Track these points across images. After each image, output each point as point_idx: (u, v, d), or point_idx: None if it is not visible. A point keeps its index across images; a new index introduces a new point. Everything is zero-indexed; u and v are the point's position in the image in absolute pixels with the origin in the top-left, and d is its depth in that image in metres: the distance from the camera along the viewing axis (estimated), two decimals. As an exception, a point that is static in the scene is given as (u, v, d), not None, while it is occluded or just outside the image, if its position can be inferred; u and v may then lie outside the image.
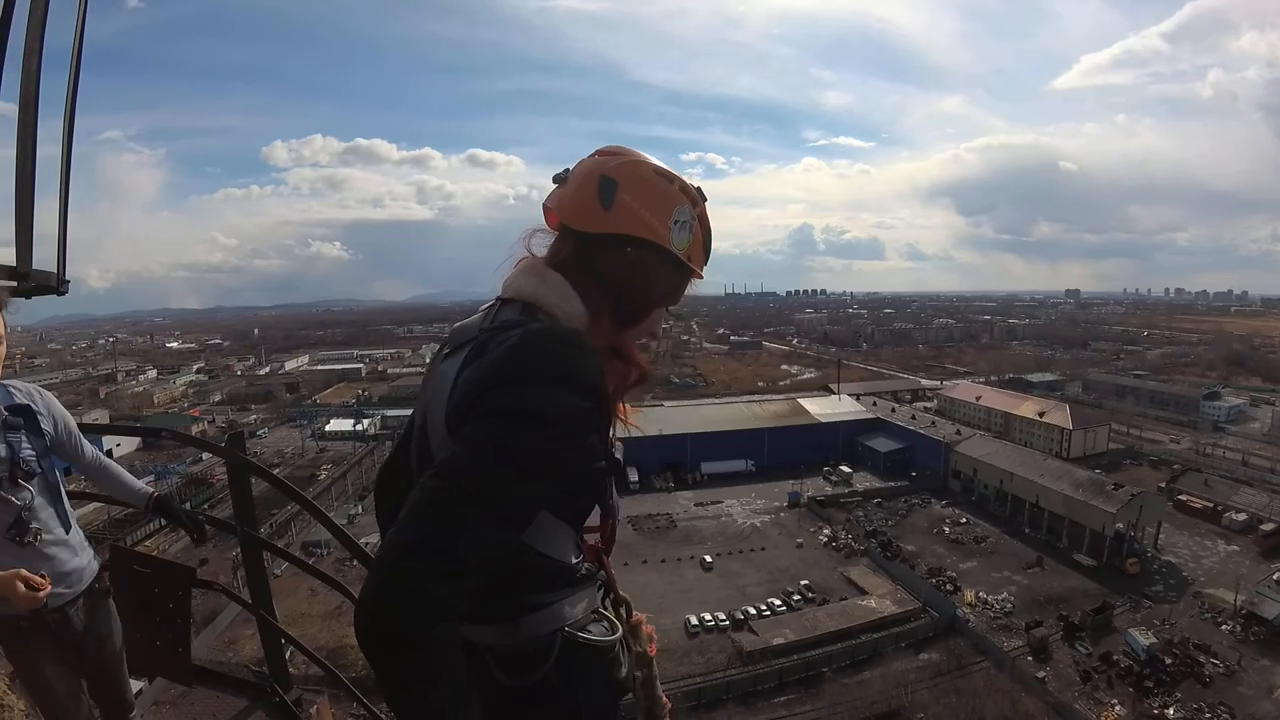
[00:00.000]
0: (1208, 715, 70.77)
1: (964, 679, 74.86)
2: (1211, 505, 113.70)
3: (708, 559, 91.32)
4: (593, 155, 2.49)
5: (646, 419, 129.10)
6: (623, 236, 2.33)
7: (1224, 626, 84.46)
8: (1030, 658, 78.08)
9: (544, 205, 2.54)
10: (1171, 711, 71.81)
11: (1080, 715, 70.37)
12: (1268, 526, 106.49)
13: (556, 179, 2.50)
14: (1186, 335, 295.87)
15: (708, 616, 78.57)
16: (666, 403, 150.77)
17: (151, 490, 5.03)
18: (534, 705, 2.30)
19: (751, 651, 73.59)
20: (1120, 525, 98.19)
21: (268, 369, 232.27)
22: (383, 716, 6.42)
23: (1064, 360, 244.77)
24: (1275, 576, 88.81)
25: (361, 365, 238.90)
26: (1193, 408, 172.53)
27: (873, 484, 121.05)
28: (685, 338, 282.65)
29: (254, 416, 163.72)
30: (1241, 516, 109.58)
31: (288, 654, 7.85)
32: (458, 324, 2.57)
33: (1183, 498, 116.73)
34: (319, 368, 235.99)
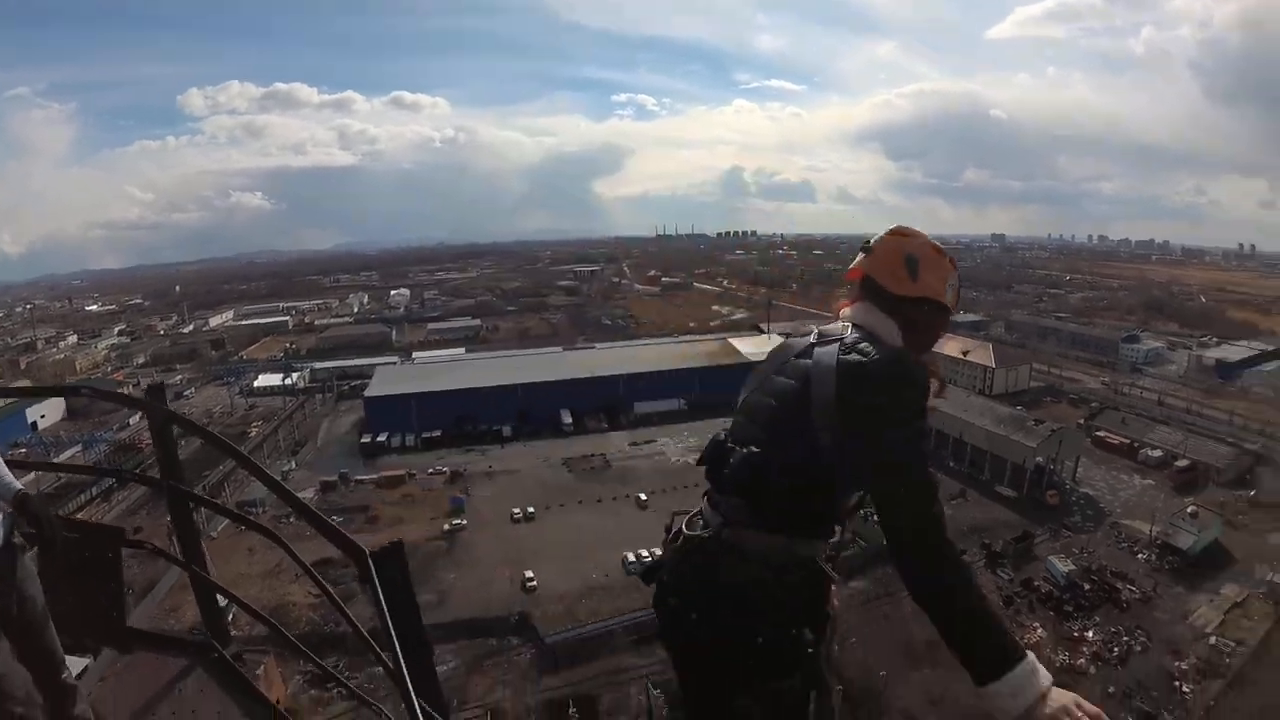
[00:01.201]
0: (1125, 638, 75.24)
1: (892, 605, 77.23)
2: (1128, 442, 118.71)
3: (643, 497, 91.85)
4: (891, 233, 3.90)
5: (578, 361, 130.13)
6: (922, 299, 3.72)
7: (1139, 555, 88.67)
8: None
9: (852, 268, 4.00)
10: (1090, 634, 75.85)
11: None
12: (1181, 463, 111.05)
13: (864, 249, 3.93)
14: (1108, 281, 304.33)
15: (645, 553, 77.72)
16: (598, 344, 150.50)
17: (17, 487, 4.57)
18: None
19: (688, 585, 74.94)
20: (1040, 459, 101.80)
21: (191, 327, 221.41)
22: (329, 669, 6.20)
23: (988, 301, 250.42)
24: (1188, 510, 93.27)
25: (288, 318, 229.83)
26: (1112, 349, 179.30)
27: None
28: (617, 279, 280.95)
29: (180, 377, 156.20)
30: (1157, 453, 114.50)
31: (230, 616, 7.60)
32: (825, 329, 3.88)
33: (1101, 434, 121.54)
34: (244, 323, 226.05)
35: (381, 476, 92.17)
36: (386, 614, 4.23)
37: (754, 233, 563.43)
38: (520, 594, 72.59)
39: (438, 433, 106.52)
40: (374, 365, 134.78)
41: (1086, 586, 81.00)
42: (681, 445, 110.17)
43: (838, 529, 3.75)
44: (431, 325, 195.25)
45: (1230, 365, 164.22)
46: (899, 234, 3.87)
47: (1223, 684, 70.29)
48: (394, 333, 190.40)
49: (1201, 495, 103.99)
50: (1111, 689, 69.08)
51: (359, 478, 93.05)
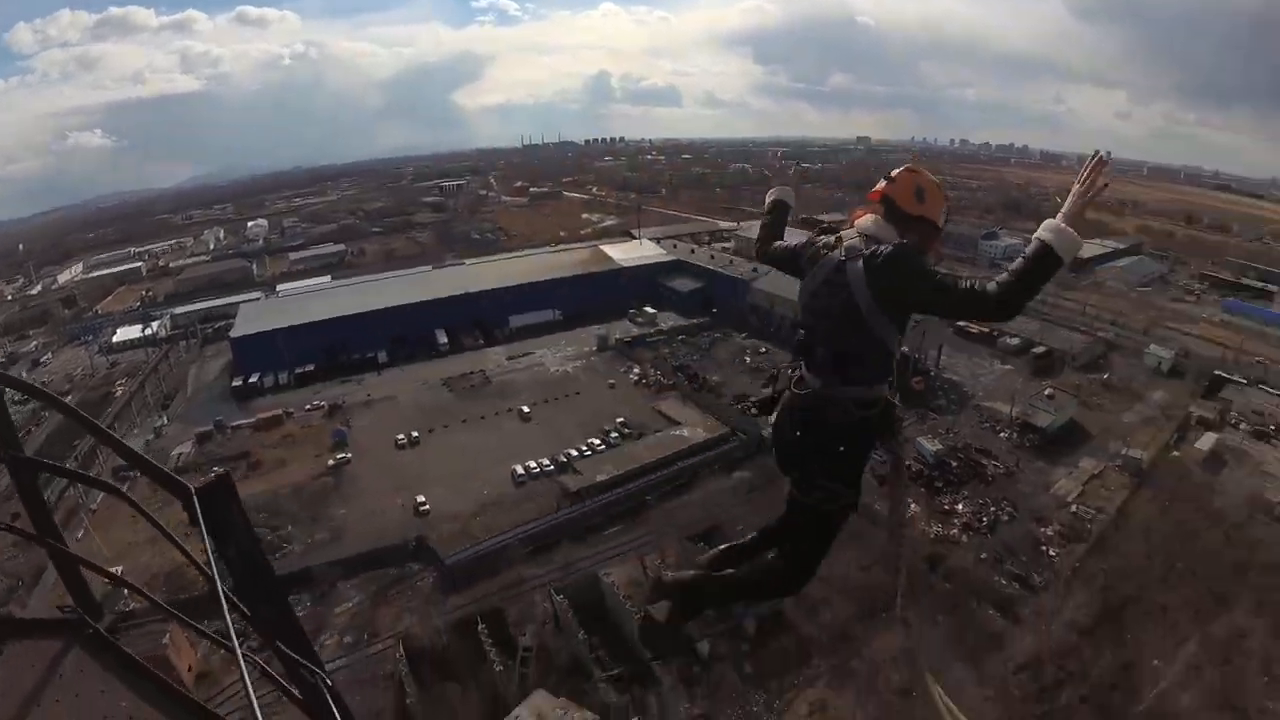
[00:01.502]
0: (993, 509, 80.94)
1: (775, 492, 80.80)
2: (988, 330, 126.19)
3: (525, 409, 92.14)
4: (908, 169, 5.91)
5: (449, 279, 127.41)
6: (924, 218, 5.76)
7: (1001, 434, 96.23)
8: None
9: (874, 190, 5.90)
10: (960, 507, 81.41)
11: (878, 511, 78.80)
12: (1039, 350, 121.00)
13: (886, 178, 5.89)
14: (968, 182, 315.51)
15: (532, 464, 79.95)
16: (468, 260, 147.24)
17: None
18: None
19: (577, 491, 76.02)
20: (905, 348, 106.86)
21: (39, 287, 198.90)
22: (214, 636, 5.94)
23: (854, 201, 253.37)
24: (1046, 392, 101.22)
25: (141, 264, 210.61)
26: (972, 246, 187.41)
27: (676, 322, 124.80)
28: (483, 192, 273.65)
29: (34, 343, 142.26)
30: (1015, 340, 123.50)
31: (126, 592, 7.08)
32: (849, 244, 5.75)
33: (962, 324, 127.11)
34: (95, 275, 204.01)
35: (258, 419, 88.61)
36: (211, 555, 3.99)
37: (622, 139, 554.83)
38: (414, 519, 72.25)
39: (310, 367, 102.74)
40: (237, 304, 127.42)
41: (954, 464, 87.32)
42: (560, 355, 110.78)
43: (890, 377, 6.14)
44: (294, 255, 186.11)
45: (1083, 261, 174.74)
46: (913, 170, 5.96)
47: (1085, 547, 76.75)
48: (255, 267, 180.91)
49: (1057, 379, 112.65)
50: (984, 555, 74.56)
51: (235, 423, 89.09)
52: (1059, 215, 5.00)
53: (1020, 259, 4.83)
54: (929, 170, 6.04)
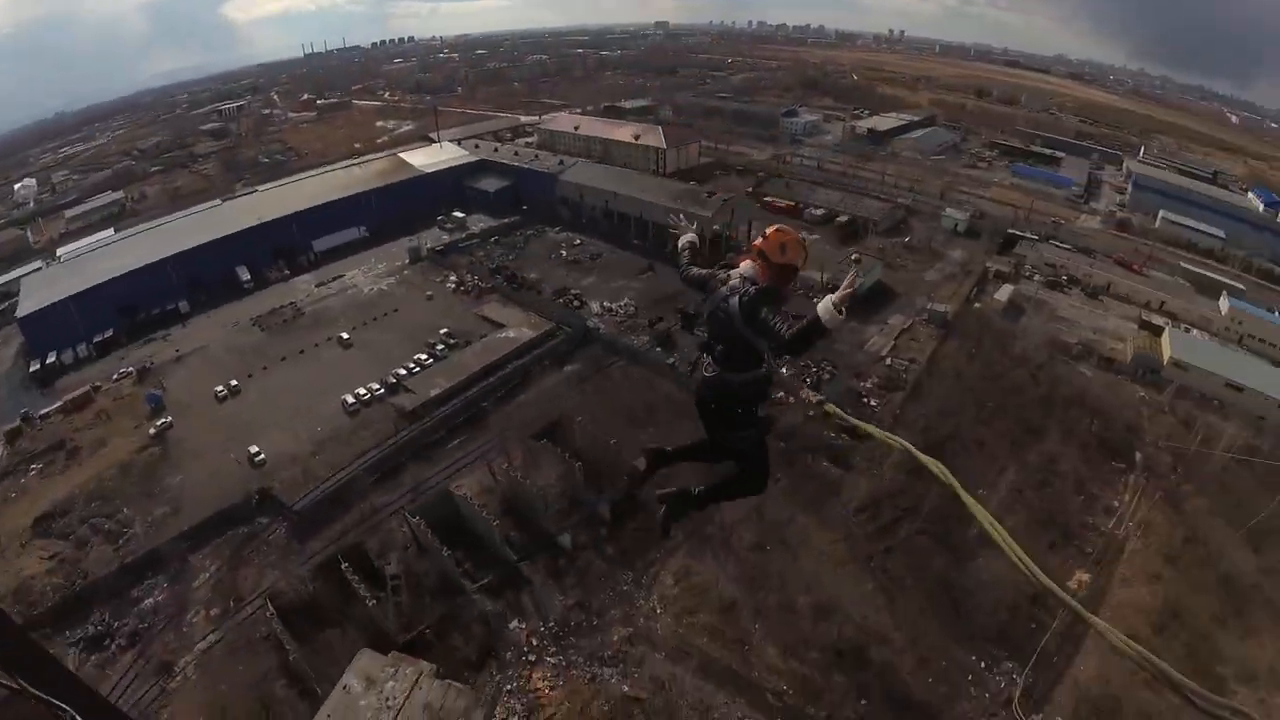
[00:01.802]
0: (814, 369, 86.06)
1: (605, 379, 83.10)
2: (794, 204, 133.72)
3: (345, 336, 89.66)
4: (776, 230, 8.86)
5: (243, 210, 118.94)
6: (784, 264, 8.75)
7: (814, 300, 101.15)
8: (659, 349, 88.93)
9: (753, 243, 8.91)
10: (784, 370, 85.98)
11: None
12: (842, 218, 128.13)
13: (761, 235, 8.91)
14: (767, 62, 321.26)
15: (361, 391, 78.40)
16: (260, 187, 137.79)
17: None
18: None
19: (413, 410, 75.56)
20: (717, 227, 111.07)
21: None
22: None
23: (655, 86, 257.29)
24: (852, 257, 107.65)
25: None
26: (773, 124, 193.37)
27: (487, 224, 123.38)
28: (267, 111, 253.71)
29: None
30: (820, 211, 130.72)
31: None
32: (732, 283, 9.01)
33: (768, 199, 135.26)
34: None
35: (66, 401, 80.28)
36: None
37: (411, 39, 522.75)
38: (252, 472, 69.88)
39: (110, 332, 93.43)
40: (17, 279, 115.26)
41: None
42: (372, 273, 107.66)
43: (765, 364, 8.95)
44: (69, 213, 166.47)
45: (881, 134, 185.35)
46: (780, 230, 8.71)
47: (903, 395, 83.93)
48: (29, 233, 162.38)
49: (862, 244, 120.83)
50: (811, 413, 78.15)
51: (43, 412, 79.14)
52: (831, 300, 7.66)
53: (805, 321, 7.85)
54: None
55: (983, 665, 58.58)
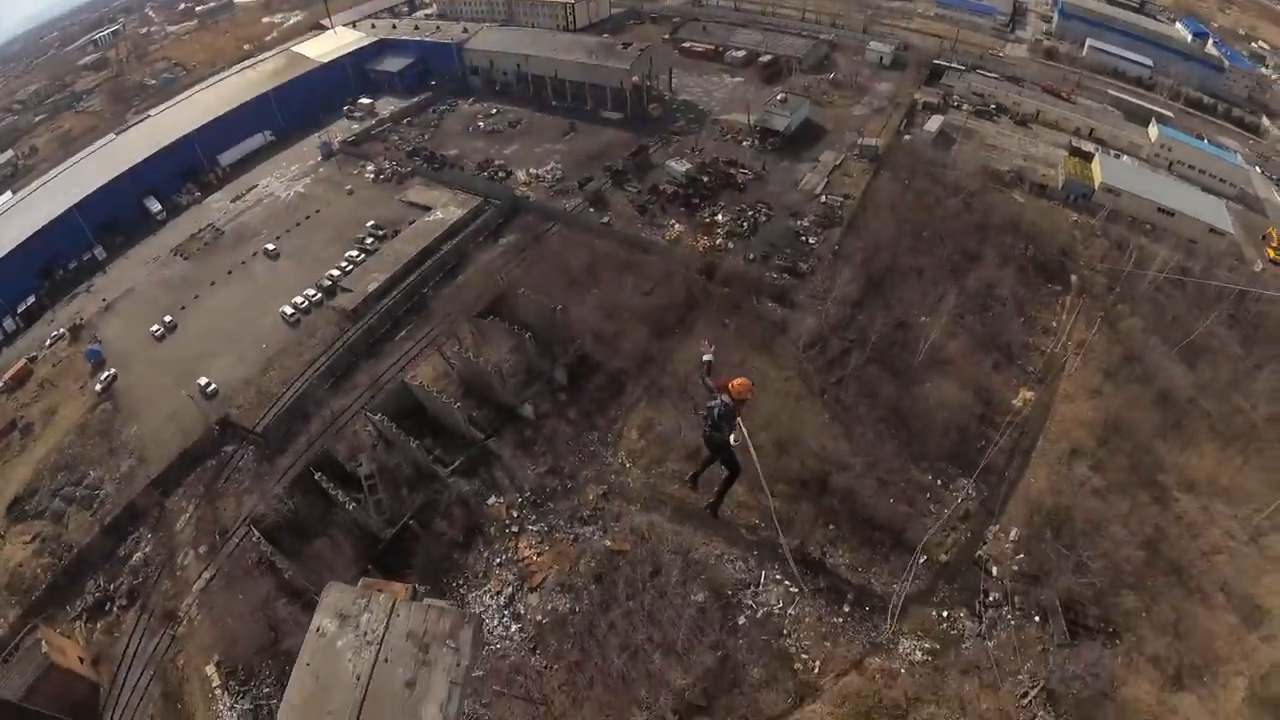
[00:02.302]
0: (750, 212, 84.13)
1: (543, 246, 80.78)
2: (713, 47, 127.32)
3: (270, 248, 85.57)
4: (742, 381, 17.41)
5: (139, 139, 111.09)
6: (741, 400, 17.49)
7: (744, 143, 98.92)
8: (592, 209, 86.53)
9: (724, 383, 17.55)
10: (720, 217, 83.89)
11: (646, 239, 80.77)
12: (765, 58, 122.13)
13: (730, 382, 17.45)
14: None
15: (299, 299, 75.69)
16: (153, 112, 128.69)
17: None
18: None
19: (354, 308, 73.38)
20: (636, 78, 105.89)
21: None
22: None
23: None
24: (778, 97, 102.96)
25: None
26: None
27: (397, 106, 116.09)
28: (144, 30, 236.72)
29: None
30: (741, 53, 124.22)
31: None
32: (715, 401, 17.36)
33: (686, 45, 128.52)
34: None
35: (6, 380, 75.84)
36: None
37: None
38: (208, 404, 67.75)
39: (31, 299, 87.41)
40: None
41: (705, 179, 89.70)
42: (286, 178, 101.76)
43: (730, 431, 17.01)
44: None
45: None
46: (740, 385, 16.47)
47: (840, 231, 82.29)
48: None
49: (787, 83, 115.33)
50: (751, 256, 78.69)
51: None
52: (733, 437, 16.93)
53: (730, 435, 16.78)
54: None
55: (939, 483, 60.89)
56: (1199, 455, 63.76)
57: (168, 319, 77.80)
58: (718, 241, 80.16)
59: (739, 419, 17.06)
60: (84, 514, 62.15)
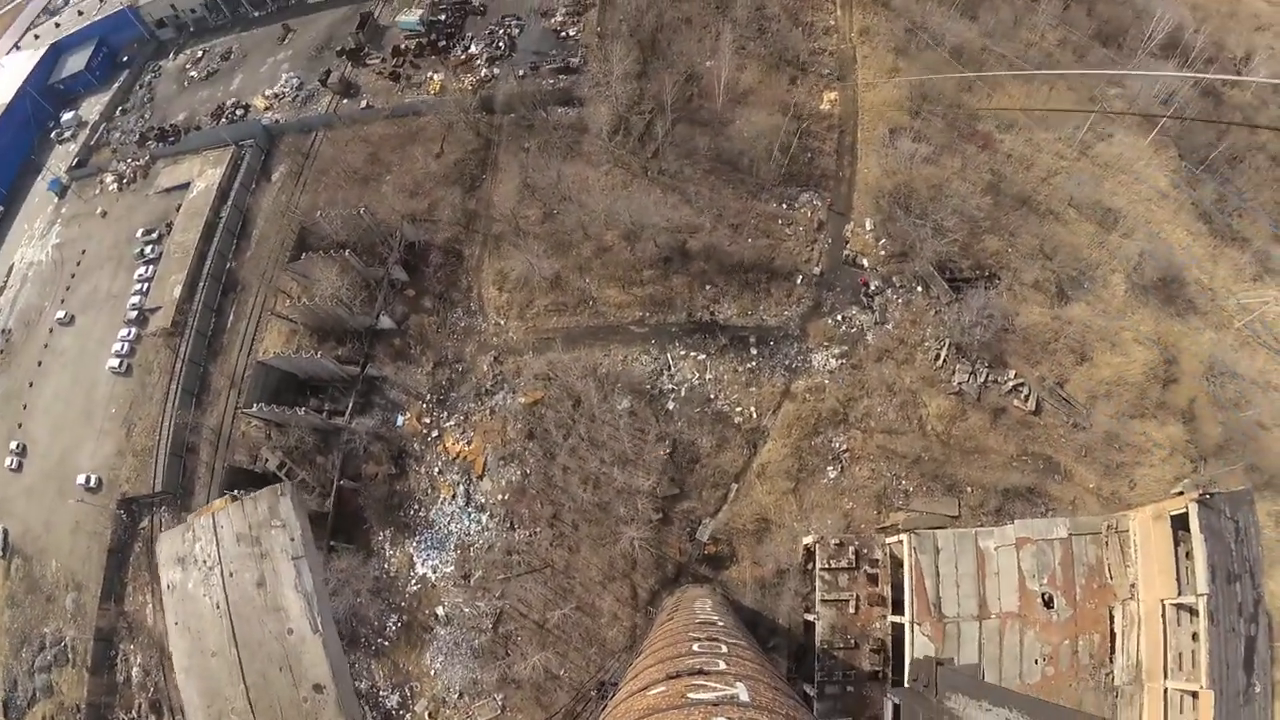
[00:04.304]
0: (500, 30, 76.20)
1: (318, 160, 73.54)
2: None
3: (60, 315, 74.20)
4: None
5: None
6: None
7: None
8: (345, 100, 77.18)
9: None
10: (473, 48, 75.60)
11: (412, 103, 73.05)
12: None
13: None
14: None
15: (117, 346, 67.79)
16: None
17: None
18: None
19: (172, 323, 65.67)
20: None
21: None
22: None
23: None
24: None
25: None
26: None
27: (102, 100, 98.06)
28: None
29: None
30: None
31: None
32: None
33: None
34: None
35: None
36: None
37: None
38: (99, 496, 61.62)
39: None
40: None
41: (442, 17, 79.72)
42: (36, 238, 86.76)
43: None
44: None
45: None
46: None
47: (596, 10, 73.61)
48: None
49: None
50: (521, 72, 70.84)
51: None
52: None
53: None
54: None
55: (785, 206, 59.48)
56: (1007, 96, 63.97)
57: (14, 445, 68.27)
58: (482, 73, 72.57)
59: None
60: (67, 671, 57.96)
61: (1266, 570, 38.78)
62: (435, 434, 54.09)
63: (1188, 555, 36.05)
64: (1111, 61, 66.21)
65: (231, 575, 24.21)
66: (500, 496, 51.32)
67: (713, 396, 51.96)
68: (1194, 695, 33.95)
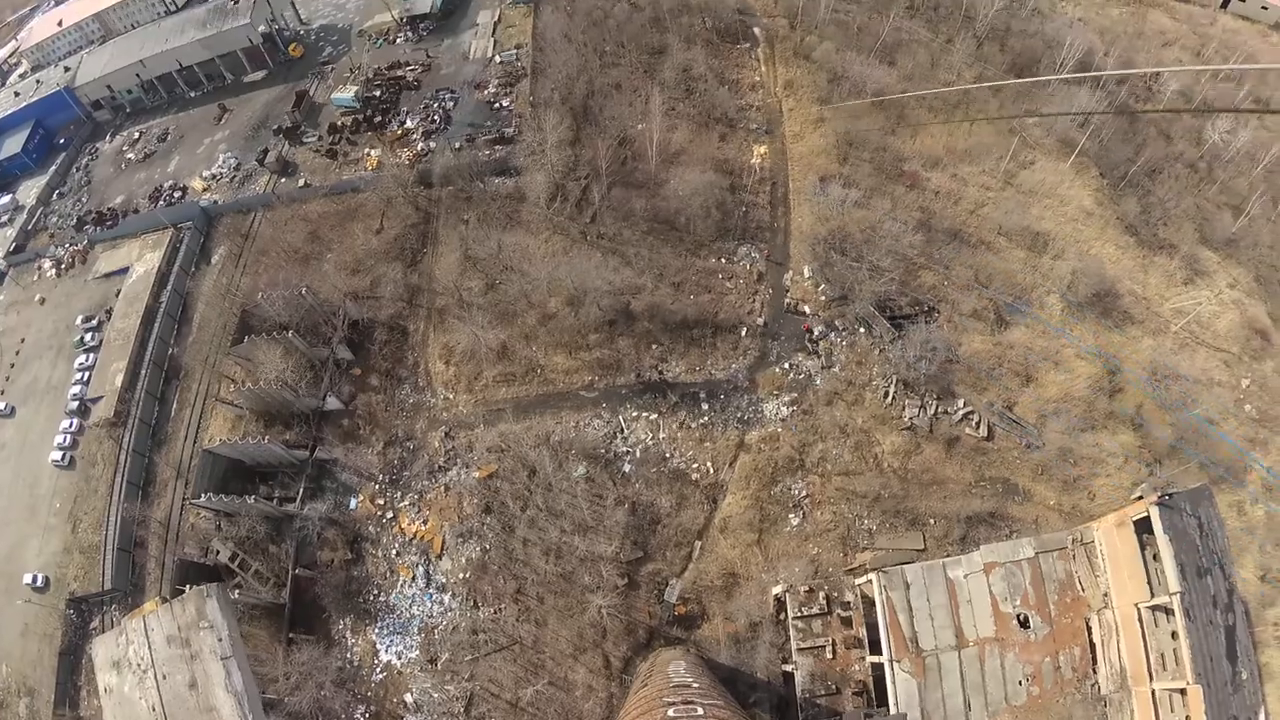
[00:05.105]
0: (435, 105, 76.61)
1: (257, 241, 71.42)
2: None
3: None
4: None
5: None
6: None
7: (398, 40, 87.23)
8: (283, 179, 76.08)
9: None
10: (409, 122, 75.71)
11: (350, 180, 72.30)
12: None
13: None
14: None
15: (58, 438, 64.46)
16: None
17: None
18: None
19: (115, 412, 62.62)
20: (262, 26, 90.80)
21: None
22: None
23: None
24: None
25: None
26: None
27: (38, 185, 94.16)
28: None
29: None
30: None
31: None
32: None
33: None
34: None
35: None
36: None
37: None
38: (47, 596, 58.26)
39: None
40: None
41: (377, 93, 79.50)
42: None
43: None
44: None
45: None
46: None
47: (528, 80, 74.73)
48: None
49: None
50: (457, 145, 69.97)
51: None
52: None
53: None
54: None
55: (724, 261, 59.97)
56: (930, 135, 65.53)
57: (-42, 547, 64.59)
58: (419, 147, 71.73)
59: None
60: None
61: (1236, 559, 39.24)
62: (390, 515, 52.28)
63: (1155, 557, 36.51)
64: (1028, 92, 67.80)
65: (165, 678, 23.44)
66: (461, 575, 49.52)
67: (668, 455, 51.11)
68: (1182, 693, 34.05)
